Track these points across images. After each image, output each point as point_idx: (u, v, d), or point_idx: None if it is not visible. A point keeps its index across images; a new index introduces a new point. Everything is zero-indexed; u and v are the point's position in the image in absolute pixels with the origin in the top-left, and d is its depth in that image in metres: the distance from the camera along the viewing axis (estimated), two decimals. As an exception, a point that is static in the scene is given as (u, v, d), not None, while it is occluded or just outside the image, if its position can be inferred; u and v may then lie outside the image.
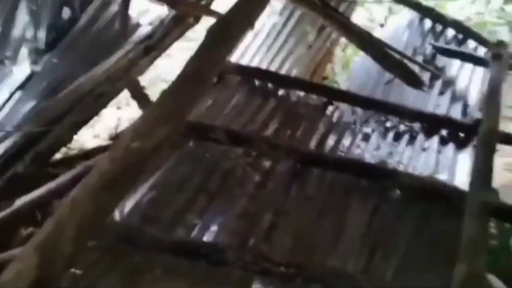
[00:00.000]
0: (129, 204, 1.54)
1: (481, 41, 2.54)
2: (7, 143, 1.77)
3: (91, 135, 2.53)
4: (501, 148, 2.14)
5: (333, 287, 1.22)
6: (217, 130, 1.84)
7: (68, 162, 2.06)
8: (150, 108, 1.78)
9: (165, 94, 1.62)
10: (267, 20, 2.76)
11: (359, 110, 2.06)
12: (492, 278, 1.51)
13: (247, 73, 2.23)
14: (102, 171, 1.53)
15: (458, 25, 2.67)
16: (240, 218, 1.57)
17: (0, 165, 1.73)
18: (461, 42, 2.61)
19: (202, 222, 1.55)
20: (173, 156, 1.77)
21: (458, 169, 1.79)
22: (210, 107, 2.00)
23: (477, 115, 2.00)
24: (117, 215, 1.52)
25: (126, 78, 2.07)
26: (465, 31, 2.62)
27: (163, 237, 1.42)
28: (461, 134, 1.94)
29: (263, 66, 2.55)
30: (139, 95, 1.89)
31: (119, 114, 2.76)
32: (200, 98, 1.77)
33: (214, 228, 1.53)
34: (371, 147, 1.86)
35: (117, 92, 2.21)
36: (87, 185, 1.51)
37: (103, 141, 2.42)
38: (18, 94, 1.93)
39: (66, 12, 2.19)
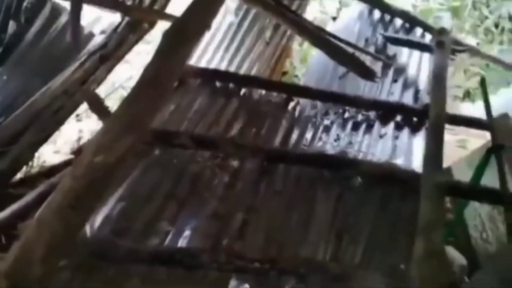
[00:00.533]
0: (99, 219, 1.53)
1: (427, 28, 2.69)
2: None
3: (52, 151, 2.46)
4: (453, 126, 2.29)
5: (305, 277, 1.28)
6: (182, 135, 1.85)
7: (30, 181, 2.00)
8: (111, 119, 1.76)
9: (124, 103, 1.59)
10: (223, 20, 2.78)
11: (318, 104, 2.13)
12: (450, 249, 1.63)
13: (208, 75, 2.24)
14: (66, 190, 1.50)
15: (405, 15, 2.81)
16: (212, 220, 1.60)
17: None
18: (409, 31, 2.75)
19: (175, 228, 1.57)
20: (140, 165, 1.76)
21: (413, 152, 1.90)
22: (173, 113, 2.00)
23: (427, 99, 2.12)
24: (87, 230, 1.50)
25: (83, 90, 2.02)
26: (411, 20, 2.76)
27: (137, 248, 1.43)
28: (414, 119, 2.06)
29: (223, 66, 2.58)
30: (97, 107, 1.86)
31: (80, 126, 2.69)
32: (161, 104, 1.77)
33: (187, 233, 1.55)
34: (332, 138, 1.94)
35: (76, 105, 2.17)
36: (52, 205, 1.48)
37: (65, 156, 2.37)
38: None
39: (12, 26, 2.11)
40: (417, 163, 1.81)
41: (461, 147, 3.06)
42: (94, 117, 2.70)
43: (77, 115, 2.64)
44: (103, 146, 1.53)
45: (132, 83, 1.37)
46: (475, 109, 3.25)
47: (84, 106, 2.38)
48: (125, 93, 2.14)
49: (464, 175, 2.05)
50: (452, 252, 1.61)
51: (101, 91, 2.36)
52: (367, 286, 1.24)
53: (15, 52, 2.03)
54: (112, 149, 1.50)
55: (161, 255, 1.40)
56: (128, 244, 1.45)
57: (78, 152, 2.07)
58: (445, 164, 1.62)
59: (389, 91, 2.32)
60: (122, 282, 1.40)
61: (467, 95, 3.79)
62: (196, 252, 1.39)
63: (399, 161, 1.82)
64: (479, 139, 2.67)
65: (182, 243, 1.51)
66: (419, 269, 1.24)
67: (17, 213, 1.69)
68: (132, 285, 1.39)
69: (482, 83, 2.18)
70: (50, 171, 2.03)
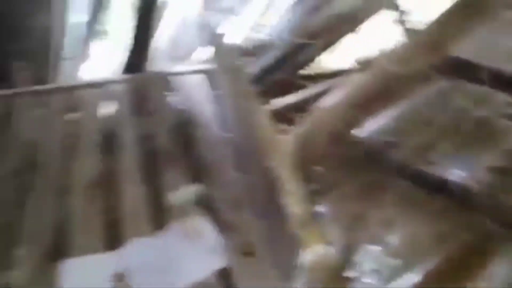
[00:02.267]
0: (374, 125, 1.61)
1: None
2: (275, 51, 2.06)
3: (333, 58, 2.66)
4: None
5: None
6: (480, 68, 1.63)
7: (314, 78, 2.25)
8: (414, 35, 1.72)
9: (433, 23, 1.52)
10: None
11: None
12: None
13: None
14: (356, 89, 1.63)
15: None
16: (490, 172, 1.42)
17: (267, 69, 2.03)
18: None
19: (444, 164, 1.49)
20: (425, 90, 1.70)
21: None
22: (478, 44, 1.77)
23: None
24: (362, 132, 1.61)
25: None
26: None
27: (405, 164, 1.44)
28: None
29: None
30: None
31: (363, 39, 2.75)
32: (469, 32, 1.59)
33: (458, 173, 1.44)
34: None
35: (372, 13, 2.20)
36: (341, 99, 1.64)
37: (345, 64, 2.52)
38: (289, 7, 2.17)
39: None
40: None
41: None
42: (379, 32, 2.70)
43: (363, 31, 2.69)
44: (400, 58, 1.53)
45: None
46: None
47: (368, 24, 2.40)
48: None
49: None
50: None
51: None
52: None
53: None
54: (408, 63, 1.49)
55: (429, 179, 1.37)
56: (397, 157, 1.48)
57: (362, 64, 2.17)
58: None
59: None
60: (381, 189, 1.47)
61: None
62: (472, 188, 1.28)
63: None
64: None
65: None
66: None
67: (306, 99, 1.96)
68: (390, 196, 1.44)
69: None
70: (331, 74, 2.23)
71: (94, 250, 1.14)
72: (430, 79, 1.71)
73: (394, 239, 1.30)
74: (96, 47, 2.17)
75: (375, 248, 1.28)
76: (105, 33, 2.15)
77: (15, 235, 1.16)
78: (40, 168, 1.36)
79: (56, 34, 1.83)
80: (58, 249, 1.15)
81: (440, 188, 1.34)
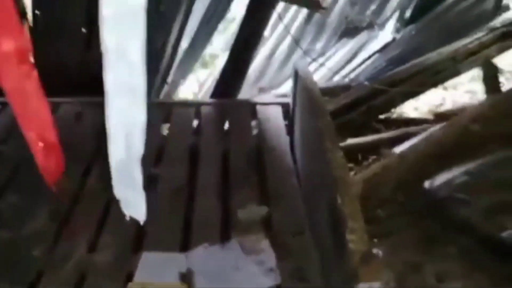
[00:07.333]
0: (445, 179, 1.61)
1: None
2: (354, 93, 2.16)
3: (412, 107, 2.68)
4: None
5: None
6: None
7: (389, 122, 2.29)
8: (501, 96, 1.71)
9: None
10: None
11: None
12: None
13: None
14: (433, 140, 1.66)
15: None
16: None
17: (344, 108, 2.13)
18: None
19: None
20: (503, 150, 1.66)
21: None
22: None
23: None
24: (429, 183, 1.62)
25: (485, 59, 2.01)
26: None
27: (474, 223, 1.42)
28: None
29: None
30: (488, 79, 1.82)
31: (444, 95, 2.75)
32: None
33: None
34: None
35: (455, 73, 2.21)
36: (416, 148, 1.68)
37: (422, 115, 2.53)
38: (375, 56, 2.27)
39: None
40: None
41: None
42: (460, 89, 2.69)
43: (444, 86, 2.69)
44: (483, 118, 1.54)
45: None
46: None
47: (453, 79, 2.39)
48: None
49: None
50: None
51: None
52: None
53: (431, 13, 2.23)
54: (493, 124, 1.49)
55: (500, 243, 1.33)
56: (465, 214, 1.46)
57: (439, 116, 2.17)
58: None
59: None
60: (441, 244, 1.45)
61: None
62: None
63: None
64: None
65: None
66: None
67: (375, 143, 2.01)
68: (448, 252, 1.42)
69: None
70: (407, 122, 2.25)
71: (168, 248, 1.31)
72: (510, 143, 1.67)
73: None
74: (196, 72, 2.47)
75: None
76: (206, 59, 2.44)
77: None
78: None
79: (167, 58, 2.15)
80: (139, 241, 1.33)
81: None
